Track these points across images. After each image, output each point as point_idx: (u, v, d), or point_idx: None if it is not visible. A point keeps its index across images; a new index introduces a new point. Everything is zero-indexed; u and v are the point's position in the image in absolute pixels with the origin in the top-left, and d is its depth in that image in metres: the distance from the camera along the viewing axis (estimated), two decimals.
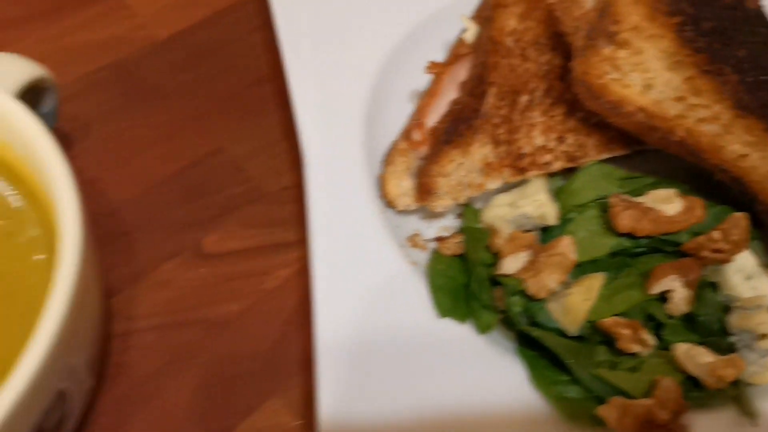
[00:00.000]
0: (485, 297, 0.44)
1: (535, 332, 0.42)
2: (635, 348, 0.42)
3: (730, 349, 0.43)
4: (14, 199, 0.38)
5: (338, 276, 0.44)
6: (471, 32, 0.54)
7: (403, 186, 0.49)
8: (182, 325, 0.46)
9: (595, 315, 0.44)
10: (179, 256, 0.49)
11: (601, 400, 0.41)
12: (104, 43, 0.60)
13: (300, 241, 0.51)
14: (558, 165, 0.48)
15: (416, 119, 0.51)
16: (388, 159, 0.50)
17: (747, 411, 0.41)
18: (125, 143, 0.54)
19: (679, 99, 0.46)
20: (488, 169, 0.47)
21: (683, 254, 0.45)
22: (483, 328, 0.43)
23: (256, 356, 0.46)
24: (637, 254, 0.46)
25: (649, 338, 0.43)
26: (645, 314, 0.44)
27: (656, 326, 0.44)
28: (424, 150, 0.50)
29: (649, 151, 0.49)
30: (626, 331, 0.42)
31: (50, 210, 0.37)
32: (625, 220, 0.45)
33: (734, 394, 0.42)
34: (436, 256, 0.47)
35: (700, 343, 0.43)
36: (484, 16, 0.55)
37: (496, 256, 0.46)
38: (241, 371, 0.45)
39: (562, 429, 0.40)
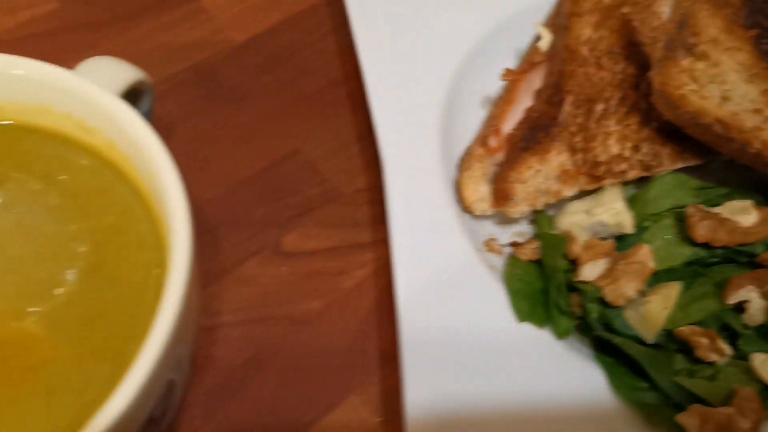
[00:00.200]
0: (563, 303, 0.45)
1: (617, 339, 0.43)
2: (713, 357, 0.43)
3: None
4: (122, 198, 0.40)
5: (419, 276, 0.45)
6: (545, 40, 0.55)
7: (480, 191, 0.50)
8: (265, 320, 0.48)
9: (671, 323, 0.44)
10: (260, 254, 0.51)
11: (679, 408, 0.42)
12: (184, 46, 0.62)
13: (374, 243, 0.52)
14: (633, 174, 0.49)
15: (492, 126, 0.52)
16: (465, 164, 0.51)
17: None
18: (207, 143, 0.56)
19: (756, 111, 0.46)
20: (565, 176, 0.48)
21: (757, 265, 0.46)
22: (561, 334, 0.44)
23: (336, 353, 0.47)
24: (711, 264, 0.47)
25: (726, 347, 0.43)
26: (720, 324, 0.45)
27: (731, 335, 0.45)
28: (500, 156, 0.51)
29: (722, 161, 0.50)
30: (704, 340, 0.43)
31: (155, 206, 0.39)
32: (702, 231, 0.45)
33: None
34: (513, 261, 0.48)
35: None
36: (557, 25, 0.56)
37: (573, 263, 0.46)
38: (322, 367, 0.47)
39: None
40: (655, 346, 0.44)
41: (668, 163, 0.50)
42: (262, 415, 0.45)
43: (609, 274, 0.45)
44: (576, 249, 0.46)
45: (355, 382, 0.46)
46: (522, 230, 0.51)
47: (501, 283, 0.46)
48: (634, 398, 0.42)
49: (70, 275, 0.38)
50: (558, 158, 0.48)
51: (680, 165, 0.50)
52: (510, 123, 0.52)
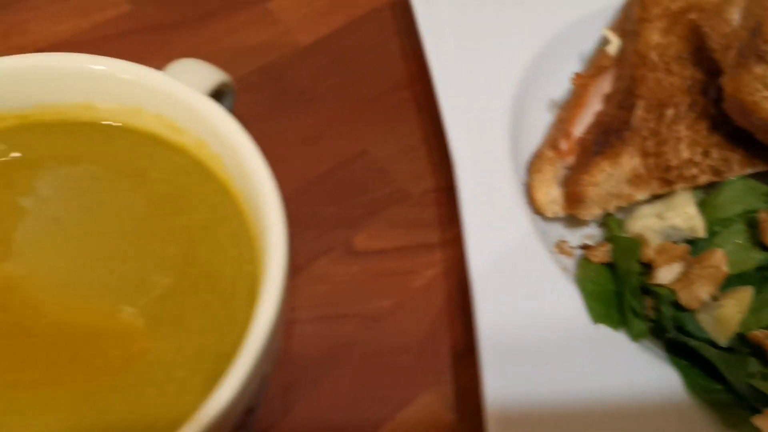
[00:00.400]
0: (638, 305, 0.45)
1: (693, 342, 0.43)
2: None
3: None
4: (211, 195, 0.41)
5: (495, 276, 0.46)
6: (614, 45, 0.55)
7: (551, 194, 0.50)
8: (339, 318, 0.49)
9: (744, 327, 0.44)
10: (332, 252, 0.52)
11: (754, 410, 0.42)
12: (252, 48, 0.63)
13: (443, 244, 0.53)
14: (704, 179, 0.49)
15: (562, 129, 0.53)
16: (535, 167, 0.52)
17: None
18: (277, 144, 0.57)
19: None
20: (637, 180, 0.49)
21: None
22: (636, 336, 0.45)
23: (408, 351, 0.48)
24: None
25: None
26: None
27: None
28: (570, 159, 0.51)
29: None
30: None
31: (244, 204, 0.40)
32: None
33: None
34: (585, 264, 0.48)
35: None
36: (626, 30, 0.56)
37: (646, 266, 0.47)
38: (395, 364, 0.47)
39: None
40: (728, 349, 0.45)
41: (738, 168, 0.50)
42: (337, 410, 0.46)
43: (683, 277, 0.45)
44: (649, 252, 0.46)
45: (428, 379, 0.47)
46: (591, 233, 0.52)
47: (574, 284, 0.47)
48: (710, 399, 0.42)
49: (165, 270, 0.39)
50: (630, 162, 0.49)
51: (750, 170, 0.50)
52: (580, 127, 0.52)
